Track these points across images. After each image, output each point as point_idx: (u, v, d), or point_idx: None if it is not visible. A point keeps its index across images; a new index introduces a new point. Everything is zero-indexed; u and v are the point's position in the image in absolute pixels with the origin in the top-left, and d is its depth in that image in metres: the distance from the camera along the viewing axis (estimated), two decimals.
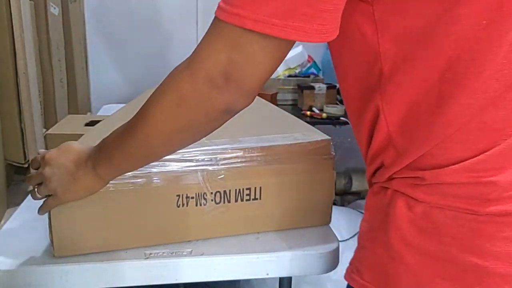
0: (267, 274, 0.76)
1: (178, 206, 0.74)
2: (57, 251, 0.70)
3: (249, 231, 0.80)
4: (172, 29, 2.04)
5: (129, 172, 0.67)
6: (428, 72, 0.53)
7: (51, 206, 0.68)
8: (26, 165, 1.12)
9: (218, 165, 0.74)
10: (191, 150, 0.74)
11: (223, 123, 0.56)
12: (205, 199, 0.75)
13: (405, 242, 0.55)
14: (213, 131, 0.58)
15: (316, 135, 0.83)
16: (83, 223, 0.70)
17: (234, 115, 0.55)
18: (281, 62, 0.52)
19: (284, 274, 0.77)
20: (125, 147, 0.59)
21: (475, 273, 0.53)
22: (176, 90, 0.53)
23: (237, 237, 0.79)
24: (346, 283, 0.69)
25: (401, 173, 0.57)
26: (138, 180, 0.71)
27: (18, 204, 0.92)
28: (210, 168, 0.74)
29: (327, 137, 0.82)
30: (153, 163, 0.71)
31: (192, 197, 0.74)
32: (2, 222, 0.99)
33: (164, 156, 0.63)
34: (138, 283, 0.73)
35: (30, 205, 0.91)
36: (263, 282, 1.40)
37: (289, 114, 1.02)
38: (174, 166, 0.73)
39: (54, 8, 1.41)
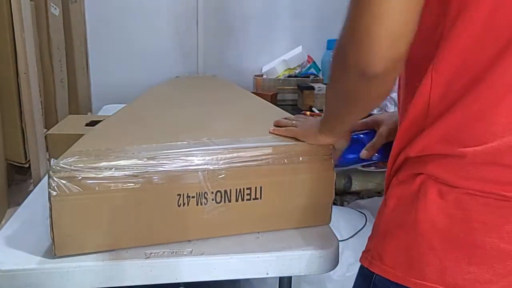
0: (267, 274, 0.76)
1: (179, 206, 0.74)
2: (58, 250, 0.71)
3: (250, 230, 0.80)
4: (173, 29, 2.04)
5: (340, 126, 0.74)
6: (490, 33, 0.52)
7: (287, 133, 0.81)
8: (27, 165, 1.12)
9: (218, 164, 0.75)
10: (192, 149, 0.75)
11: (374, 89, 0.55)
12: (205, 198, 0.75)
13: (435, 228, 0.56)
14: (372, 99, 0.59)
15: None
16: (84, 222, 0.71)
17: (374, 79, 0.52)
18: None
19: (284, 274, 0.78)
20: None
21: (504, 259, 0.54)
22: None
23: (237, 237, 0.79)
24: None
25: (440, 148, 0.56)
26: (139, 179, 0.71)
27: (19, 204, 0.92)
28: (211, 167, 0.74)
29: None
30: (155, 162, 0.72)
31: (193, 197, 0.74)
32: (3, 222, 0.99)
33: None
34: (138, 283, 0.73)
35: (30, 205, 0.91)
36: (263, 282, 1.40)
37: (290, 114, 1.02)
38: (174, 166, 0.73)
39: (55, 9, 1.41)
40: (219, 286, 1.25)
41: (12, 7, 1.02)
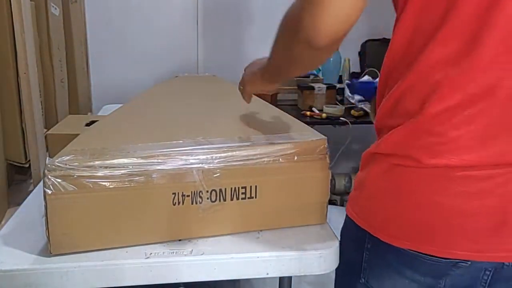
0: (267, 274, 0.76)
1: (174, 204, 0.74)
2: (53, 248, 0.71)
3: (245, 229, 0.80)
4: (173, 29, 2.04)
5: (280, 79, 0.81)
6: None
7: (243, 92, 0.88)
8: (27, 165, 1.12)
9: (213, 163, 0.75)
10: (187, 148, 0.75)
11: (308, 58, 0.65)
12: (200, 197, 0.75)
13: (377, 187, 0.69)
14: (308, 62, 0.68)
15: (312, 134, 0.83)
16: (79, 220, 0.70)
17: (318, 50, 0.61)
18: None
19: (284, 274, 0.77)
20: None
21: (427, 225, 0.65)
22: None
23: (237, 237, 0.79)
24: None
25: (387, 120, 0.69)
26: (134, 178, 0.71)
27: (19, 204, 0.92)
28: (206, 166, 0.74)
29: (323, 136, 0.82)
30: (151, 161, 0.72)
31: (188, 195, 0.74)
32: (3, 221, 0.99)
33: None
34: (138, 283, 0.73)
35: (30, 205, 0.91)
36: (263, 282, 1.40)
37: (286, 114, 1.02)
38: (170, 164, 0.73)
39: (55, 9, 1.41)
40: (219, 286, 1.25)
41: (12, 7, 1.02)
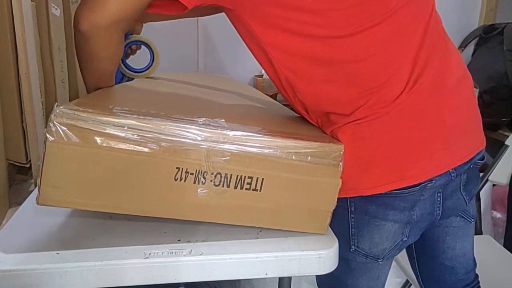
0: (266, 274, 0.76)
1: (176, 180, 0.70)
2: (41, 199, 0.66)
3: (243, 222, 0.78)
4: (173, 29, 2.04)
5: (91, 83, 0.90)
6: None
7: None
8: (28, 165, 1.13)
9: (225, 145, 0.70)
10: (203, 125, 0.71)
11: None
12: (204, 178, 0.71)
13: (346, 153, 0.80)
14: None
15: (329, 139, 0.81)
16: (75, 176, 0.66)
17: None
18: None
19: (283, 274, 0.78)
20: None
21: (401, 160, 0.79)
22: None
23: (236, 237, 0.79)
24: None
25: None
26: (142, 143, 0.67)
27: (20, 204, 0.93)
28: (217, 147, 0.70)
29: (341, 144, 0.79)
30: (162, 129, 0.68)
31: (192, 173, 0.71)
32: (4, 221, 1.00)
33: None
34: (138, 283, 0.73)
35: (31, 205, 0.91)
36: (263, 282, 1.40)
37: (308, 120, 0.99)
38: (181, 137, 0.69)
39: (56, 9, 1.41)
40: (219, 286, 1.26)
41: (13, 7, 1.02)
